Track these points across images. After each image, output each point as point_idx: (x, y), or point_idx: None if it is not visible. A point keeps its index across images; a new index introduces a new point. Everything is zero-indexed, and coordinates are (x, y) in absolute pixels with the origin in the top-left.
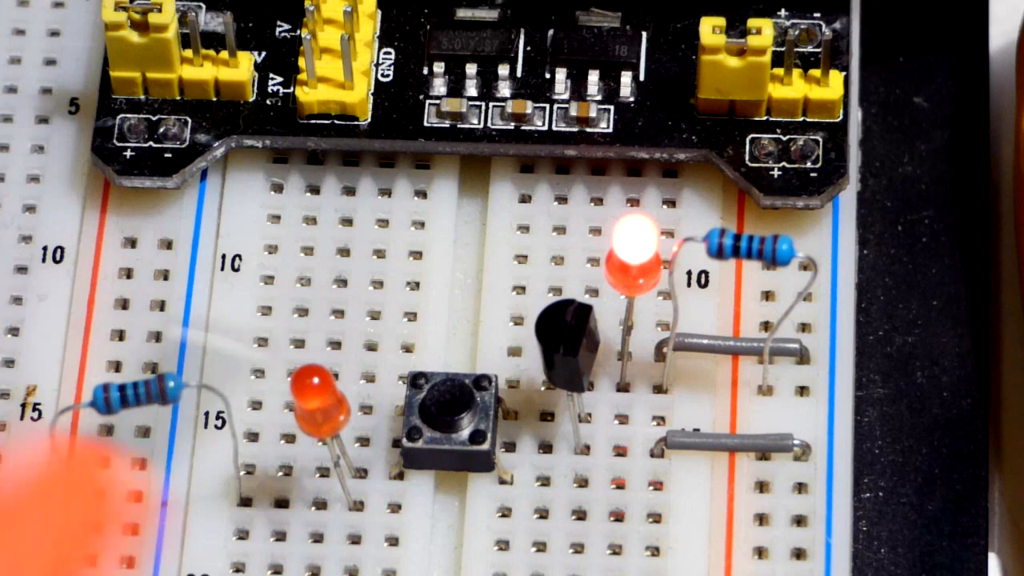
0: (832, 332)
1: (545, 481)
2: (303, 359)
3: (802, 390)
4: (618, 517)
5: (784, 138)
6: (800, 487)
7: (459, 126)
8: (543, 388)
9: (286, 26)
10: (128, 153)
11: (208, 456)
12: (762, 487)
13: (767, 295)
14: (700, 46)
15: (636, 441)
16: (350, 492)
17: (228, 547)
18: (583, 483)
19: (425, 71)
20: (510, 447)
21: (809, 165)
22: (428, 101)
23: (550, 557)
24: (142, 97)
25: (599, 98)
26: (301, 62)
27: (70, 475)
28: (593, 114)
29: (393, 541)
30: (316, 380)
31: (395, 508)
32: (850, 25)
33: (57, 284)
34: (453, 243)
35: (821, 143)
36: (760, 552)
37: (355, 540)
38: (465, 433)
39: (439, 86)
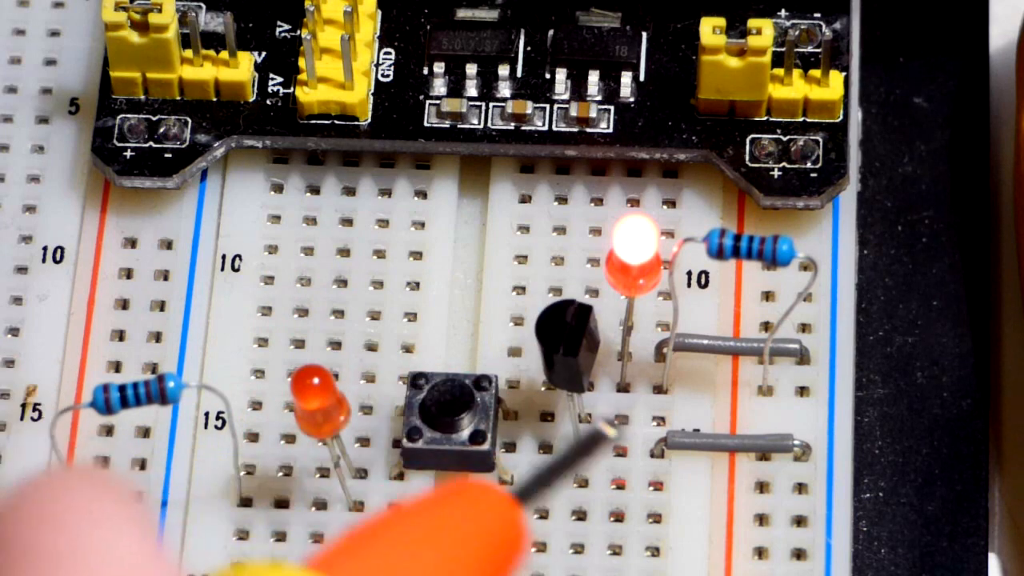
0: (832, 332)
1: None
2: (303, 359)
3: (802, 390)
4: (618, 517)
5: (784, 138)
6: (800, 487)
7: (459, 126)
8: (543, 388)
9: (286, 26)
10: (128, 153)
11: (208, 456)
12: (762, 487)
13: (767, 295)
14: (700, 46)
15: (636, 441)
16: (350, 492)
17: (228, 547)
18: (583, 483)
19: (425, 71)
20: (510, 447)
21: (809, 165)
22: (428, 101)
23: (550, 557)
24: (142, 97)
25: (599, 98)
26: (301, 62)
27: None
28: (593, 114)
29: None
30: (316, 380)
31: None
32: (850, 25)
33: (57, 284)
34: (453, 243)
35: (821, 143)
36: (760, 552)
37: None
38: (465, 433)
39: (439, 86)
